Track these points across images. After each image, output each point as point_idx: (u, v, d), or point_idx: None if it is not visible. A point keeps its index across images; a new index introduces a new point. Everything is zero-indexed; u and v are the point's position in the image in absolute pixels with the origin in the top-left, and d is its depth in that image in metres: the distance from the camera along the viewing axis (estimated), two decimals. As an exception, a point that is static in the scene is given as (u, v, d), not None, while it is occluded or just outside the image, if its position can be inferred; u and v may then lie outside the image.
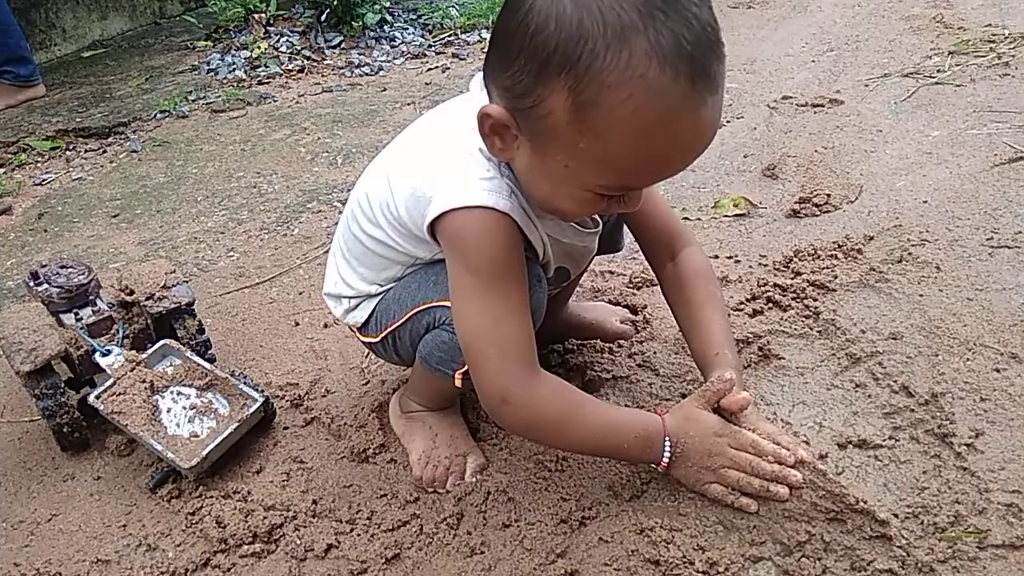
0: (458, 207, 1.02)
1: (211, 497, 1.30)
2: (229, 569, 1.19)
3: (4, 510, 1.36)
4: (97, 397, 1.37)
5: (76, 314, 1.49)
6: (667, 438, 1.11)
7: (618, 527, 1.16)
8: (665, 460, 1.11)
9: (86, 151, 3.11)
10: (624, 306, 1.68)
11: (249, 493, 1.31)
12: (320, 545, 1.19)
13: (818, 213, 1.91)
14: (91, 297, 1.52)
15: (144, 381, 1.40)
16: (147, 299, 1.49)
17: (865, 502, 1.06)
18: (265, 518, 1.24)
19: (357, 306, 1.30)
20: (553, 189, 1.00)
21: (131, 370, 1.40)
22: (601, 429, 1.11)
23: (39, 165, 3.00)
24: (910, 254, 1.61)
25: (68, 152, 3.11)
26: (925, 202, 1.84)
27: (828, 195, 1.95)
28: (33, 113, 3.50)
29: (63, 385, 1.41)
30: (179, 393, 1.42)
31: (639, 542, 1.13)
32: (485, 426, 1.40)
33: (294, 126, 3.10)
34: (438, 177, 1.05)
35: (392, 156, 1.20)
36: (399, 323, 1.23)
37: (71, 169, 2.94)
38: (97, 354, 1.43)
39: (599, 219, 1.26)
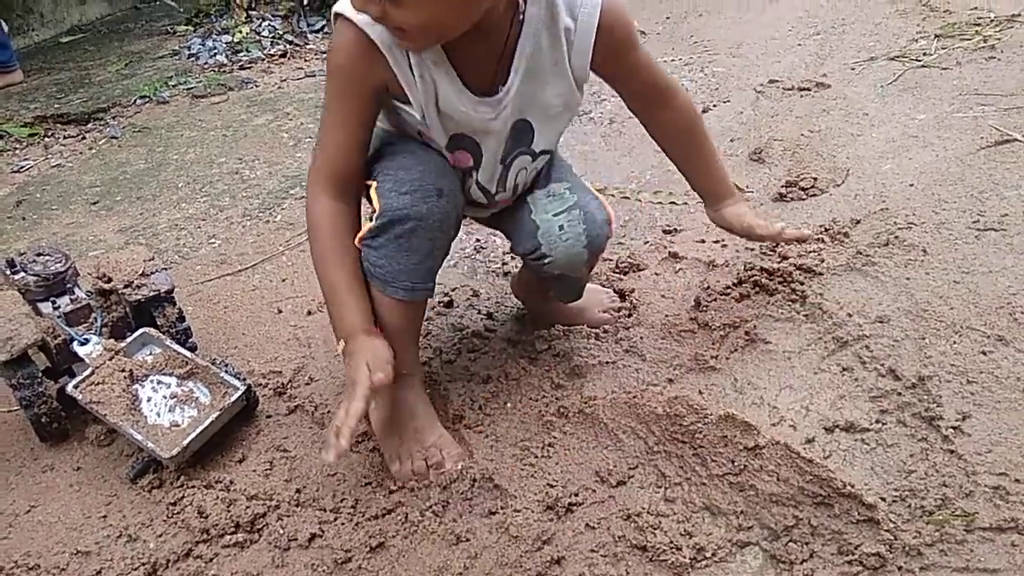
0: (337, 12, 1.10)
1: (193, 487, 1.28)
2: (211, 559, 1.17)
3: (-18, 502, 1.34)
4: (75, 387, 1.34)
5: (53, 302, 1.46)
6: (342, 342, 1.19)
7: (604, 513, 1.16)
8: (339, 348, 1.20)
9: (65, 137, 3.07)
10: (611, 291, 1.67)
11: (232, 482, 1.29)
12: (304, 534, 1.18)
13: (805, 197, 1.90)
14: (68, 285, 1.49)
15: (123, 370, 1.37)
16: (125, 287, 1.46)
17: (852, 486, 1.06)
18: (248, 508, 1.23)
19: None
20: None
21: (110, 359, 1.38)
22: (326, 280, 1.20)
23: (17, 152, 2.96)
24: (897, 237, 1.60)
25: (46, 139, 3.06)
26: (911, 185, 1.83)
27: (815, 179, 1.94)
28: (11, 99, 3.45)
29: (40, 375, 1.39)
30: (159, 382, 1.39)
31: (626, 528, 1.12)
32: (471, 413, 1.38)
33: (276, 111, 3.06)
34: None
35: None
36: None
37: (49, 156, 2.90)
38: (75, 343, 1.41)
39: (499, 89, 1.16)
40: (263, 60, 3.70)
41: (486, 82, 1.15)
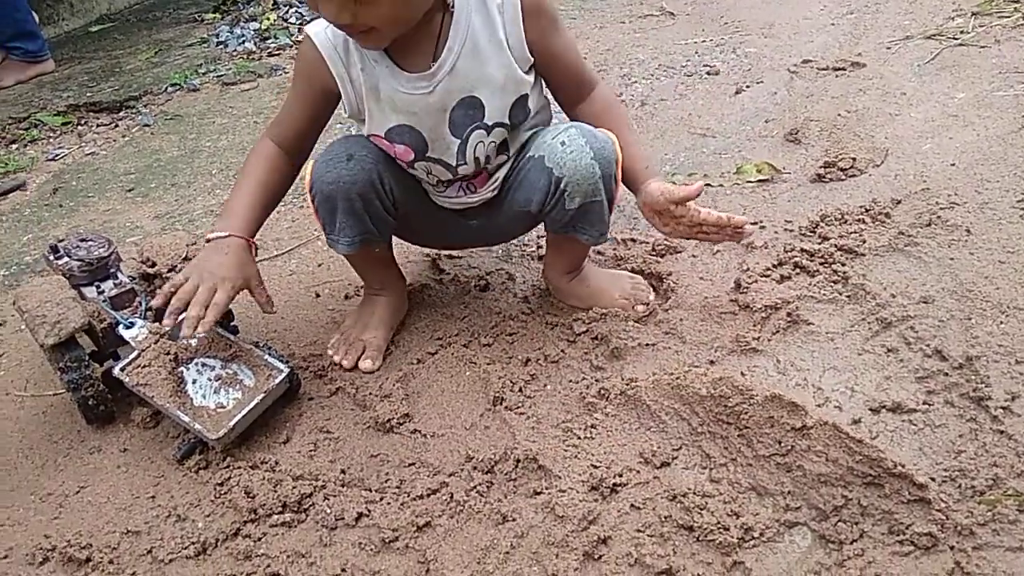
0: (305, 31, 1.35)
1: (239, 468, 1.30)
2: (260, 539, 1.18)
3: (32, 483, 1.36)
4: (122, 369, 1.36)
5: (98, 287, 1.48)
6: (219, 233, 1.37)
7: (650, 494, 1.16)
8: (206, 236, 1.38)
9: (98, 126, 3.09)
10: (648, 274, 1.66)
11: (277, 463, 1.31)
12: (351, 514, 1.19)
13: (843, 177, 1.87)
14: (112, 270, 1.51)
15: (168, 353, 1.39)
16: (169, 271, 1.48)
17: (902, 465, 1.05)
18: (294, 488, 1.24)
19: None
20: None
21: (155, 342, 1.39)
22: (238, 182, 1.43)
23: (51, 140, 2.98)
24: (939, 217, 1.59)
25: (80, 127, 3.09)
26: (953, 165, 1.80)
27: (853, 159, 1.91)
28: (43, 88, 3.48)
29: (87, 358, 1.40)
30: (204, 365, 1.40)
31: (672, 508, 1.12)
32: (511, 395, 1.39)
33: (306, 98, 3.06)
34: None
35: None
36: None
37: (83, 144, 2.93)
38: (120, 326, 1.43)
39: (433, 68, 1.31)
40: (291, 47, 3.70)
41: (424, 65, 1.31)
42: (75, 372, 1.38)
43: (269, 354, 1.41)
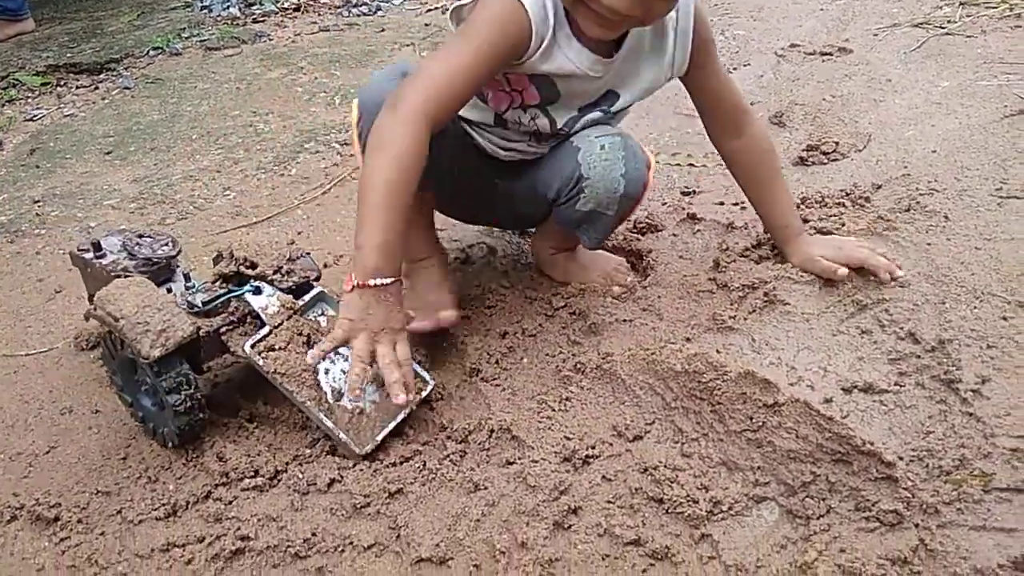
0: None
1: (212, 432, 1.29)
2: (231, 502, 1.18)
3: (1, 442, 1.35)
4: (253, 347, 1.21)
5: (168, 289, 1.33)
6: (384, 279, 1.14)
7: (621, 466, 1.16)
8: (363, 282, 1.14)
9: (77, 87, 3.05)
10: (628, 252, 1.66)
11: (251, 429, 1.30)
12: (323, 479, 1.18)
13: (826, 161, 1.88)
14: (175, 271, 1.37)
15: (301, 334, 1.25)
16: (274, 273, 1.31)
17: (871, 444, 1.06)
18: (267, 454, 1.23)
19: None
20: None
21: (287, 319, 1.25)
22: (366, 199, 1.14)
23: (30, 101, 2.94)
24: (918, 203, 1.59)
25: (59, 88, 3.04)
26: (934, 152, 1.81)
27: (836, 143, 1.92)
28: (22, 48, 3.42)
29: (194, 375, 1.23)
30: (336, 353, 1.23)
31: (643, 481, 1.13)
32: (488, 367, 1.39)
33: (290, 65, 3.04)
34: None
35: None
36: None
37: (62, 105, 2.89)
38: (248, 292, 1.28)
39: (614, 58, 1.30)
40: (276, 14, 3.67)
41: (606, 52, 1.28)
42: (182, 393, 1.20)
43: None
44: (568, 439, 1.21)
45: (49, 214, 2.11)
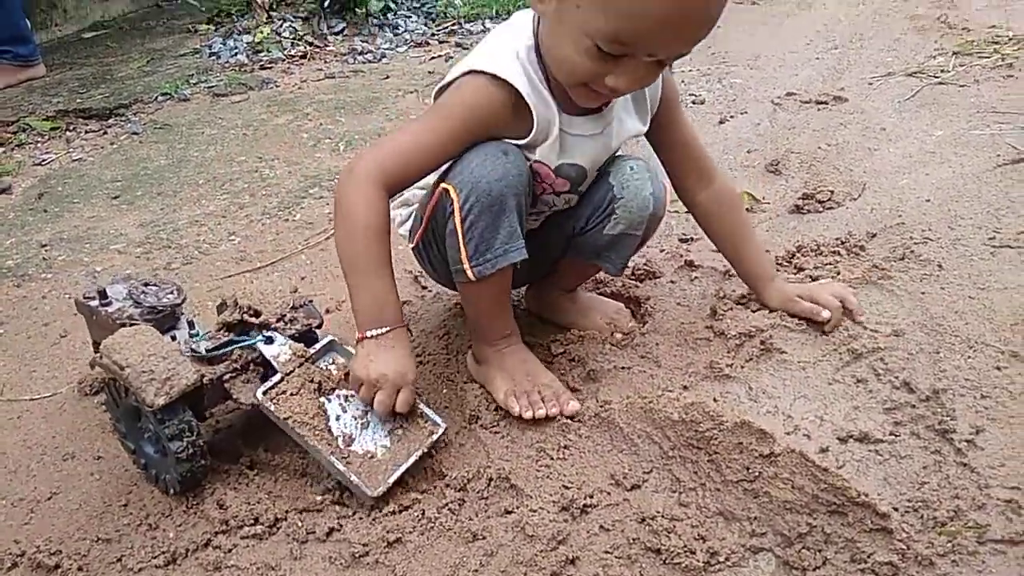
0: (476, 69, 1.20)
1: (213, 479, 1.30)
2: (230, 550, 1.18)
3: (3, 488, 1.36)
4: (264, 393, 1.23)
5: (172, 336, 1.35)
6: (384, 328, 1.21)
7: (619, 516, 1.17)
8: (362, 334, 1.22)
9: (86, 132, 3.10)
10: (627, 299, 1.68)
11: (251, 477, 1.31)
12: (322, 528, 1.19)
13: (821, 209, 1.91)
14: (179, 318, 1.38)
15: (312, 381, 1.27)
16: (278, 320, 1.34)
17: (866, 495, 1.07)
18: (267, 502, 1.24)
19: (409, 216, 1.43)
20: (563, 40, 1.13)
21: (299, 366, 1.27)
22: (363, 254, 1.20)
23: (39, 145, 2.99)
24: (912, 252, 1.62)
25: (68, 133, 3.09)
26: (928, 200, 1.84)
27: (831, 192, 1.95)
28: (33, 93, 3.49)
29: (196, 423, 1.24)
30: (347, 399, 1.28)
31: (640, 531, 1.14)
32: (487, 414, 1.40)
33: (296, 112, 3.09)
34: (473, 53, 1.26)
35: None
36: (427, 213, 1.31)
37: (71, 150, 2.93)
38: (260, 341, 1.29)
39: (604, 111, 1.32)
40: (283, 61, 3.74)
41: (591, 111, 1.31)
42: (184, 440, 1.21)
43: (424, 405, 1.33)
44: (566, 488, 1.22)
45: (56, 258, 2.13)
